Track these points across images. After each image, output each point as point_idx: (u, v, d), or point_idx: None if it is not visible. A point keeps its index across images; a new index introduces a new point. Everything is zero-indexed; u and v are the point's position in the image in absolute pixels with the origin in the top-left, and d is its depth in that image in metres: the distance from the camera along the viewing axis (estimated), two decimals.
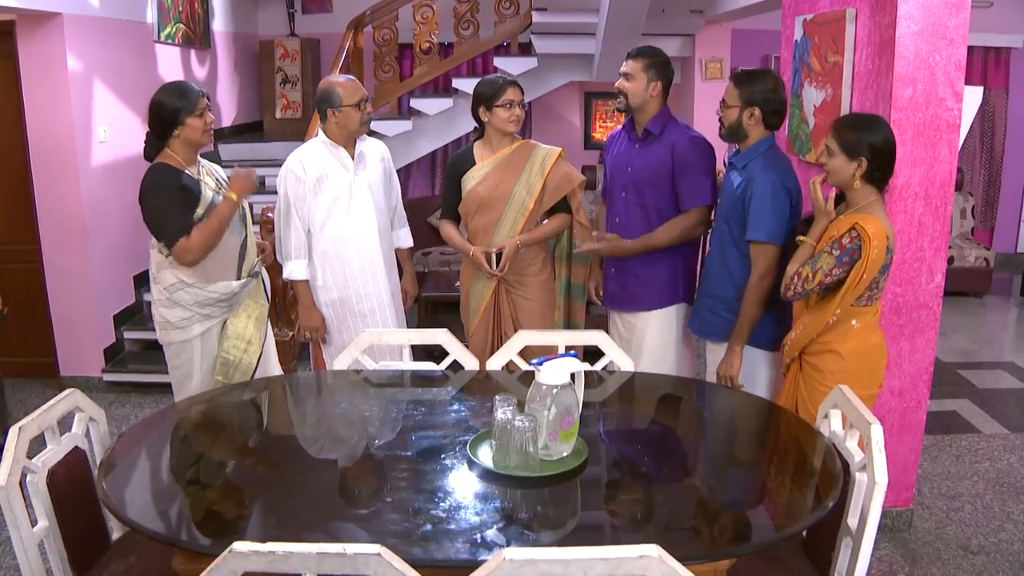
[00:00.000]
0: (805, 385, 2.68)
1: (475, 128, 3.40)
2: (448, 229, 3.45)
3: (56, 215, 4.60)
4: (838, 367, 2.60)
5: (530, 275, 3.38)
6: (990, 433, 4.26)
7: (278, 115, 6.96)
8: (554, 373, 2.08)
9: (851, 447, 2.21)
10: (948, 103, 2.98)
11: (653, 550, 1.49)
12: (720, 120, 2.98)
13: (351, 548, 1.49)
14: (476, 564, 1.60)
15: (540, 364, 2.10)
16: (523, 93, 3.29)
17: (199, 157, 2.98)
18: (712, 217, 3.21)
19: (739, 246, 2.92)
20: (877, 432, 2.08)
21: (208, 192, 2.90)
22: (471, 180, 3.34)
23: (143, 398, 4.75)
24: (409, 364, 2.88)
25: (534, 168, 3.30)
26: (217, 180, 3.01)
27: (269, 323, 3.23)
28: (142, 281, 5.14)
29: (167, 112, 2.84)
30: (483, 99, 3.26)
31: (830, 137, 2.60)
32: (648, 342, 3.26)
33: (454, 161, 3.44)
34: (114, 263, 4.90)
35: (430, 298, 5.48)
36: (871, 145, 2.53)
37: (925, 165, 3.01)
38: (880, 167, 2.56)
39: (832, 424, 2.33)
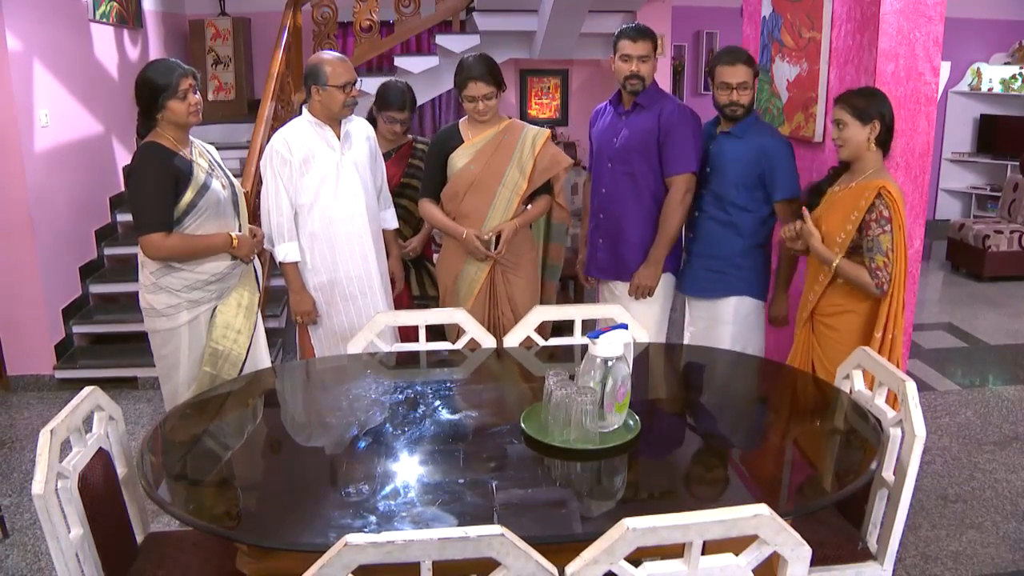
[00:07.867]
0: (822, 346, 2.79)
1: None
2: (432, 209, 3.34)
3: None
4: (849, 326, 2.73)
5: (523, 254, 3.36)
6: (944, 390, 4.52)
7: (211, 97, 6.69)
8: (609, 345, 2.10)
9: (880, 404, 2.32)
10: (927, 77, 3.12)
11: (764, 509, 1.53)
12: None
13: (473, 531, 1.47)
14: (581, 537, 1.63)
15: (595, 337, 2.11)
16: (492, 85, 3.15)
17: (191, 137, 2.84)
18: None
19: (750, 209, 3.11)
20: (912, 388, 2.18)
21: (200, 174, 2.77)
22: (462, 158, 3.25)
23: None
24: (425, 345, 2.83)
25: (525, 148, 3.25)
26: (210, 162, 2.88)
27: (259, 313, 3.12)
28: (88, 272, 4.88)
29: (147, 93, 2.71)
30: (455, 84, 3.22)
31: (837, 111, 2.70)
32: (642, 309, 3.31)
33: (440, 138, 3.34)
34: (61, 254, 4.63)
35: None
36: (880, 109, 2.66)
37: (906, 136, 3.14)
38: (888, 130, 2.69)
39: (855, 384, 2.43)
